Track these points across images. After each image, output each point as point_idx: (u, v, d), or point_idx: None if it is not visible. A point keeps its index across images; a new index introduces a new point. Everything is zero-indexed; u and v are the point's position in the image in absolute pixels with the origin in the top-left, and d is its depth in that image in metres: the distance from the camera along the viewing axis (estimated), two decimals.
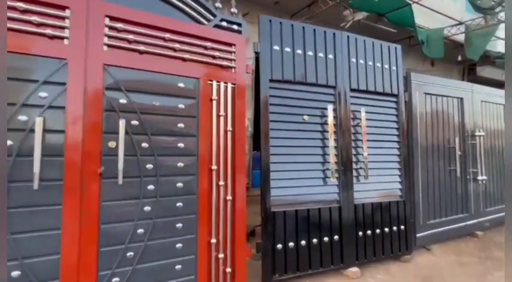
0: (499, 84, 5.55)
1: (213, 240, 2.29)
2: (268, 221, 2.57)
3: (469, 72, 10.00)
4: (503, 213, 4.46)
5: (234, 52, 2.52)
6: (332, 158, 2.83)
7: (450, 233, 3.85)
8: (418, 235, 3.50)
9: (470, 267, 3.18)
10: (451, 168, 3.94)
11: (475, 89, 4.31)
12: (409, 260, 3.25)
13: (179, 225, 2.19)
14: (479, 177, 4.11)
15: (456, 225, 3.91)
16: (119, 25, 2.06)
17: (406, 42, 7.68)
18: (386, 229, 3.15)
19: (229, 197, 2.38)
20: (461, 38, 7.26)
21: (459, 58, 7.86)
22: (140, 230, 2.04)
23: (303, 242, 2.70)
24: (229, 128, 2.43)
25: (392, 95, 3.37)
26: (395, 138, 3.36)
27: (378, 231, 3.09)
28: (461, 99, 4.13)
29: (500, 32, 6.88)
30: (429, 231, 3.62)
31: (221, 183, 2.35)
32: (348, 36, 3.14)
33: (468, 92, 4.22)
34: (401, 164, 3.34)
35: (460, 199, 4.04)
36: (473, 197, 4.13)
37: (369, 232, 3.04)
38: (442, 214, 3.82)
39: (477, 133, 4.15)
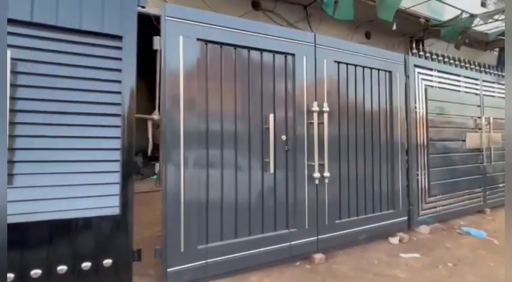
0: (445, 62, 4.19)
1: None
2: None
3: (417, 48, 8.53)
4: (366, 226, 3.12)
5: None
6: None
7: (255, 260, 2.50)
8: (172, 270, 2.15)
9: None
10: (266, 161, 2.56)
11: (321, 43, 2.88)
12: None
13: None
14: (315, 175, 2.73)
15: (267, 248, 2.55)
16: None
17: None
18: (63, 267, 1.79)
19: None
20: None
21: (394, 27, 6.37)
22: None
23: None
24: None
25: (104, 35, 1.95)
26: (113, 111, 1.97)
27: (35, 273, 1.73)
28: (293, 56, 2.72)
29: None
30: (200, 262, 2.26)
31: None
32: None
33: (307, 46, 2.79)
34: (125, 156, 1.97)
35: (284, 209, 2.67)
36: (308, 204, 2.76)
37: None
38: (240, 233, 2.46)
39: (314, 108, 2.74)
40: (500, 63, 9.61)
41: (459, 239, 3.49)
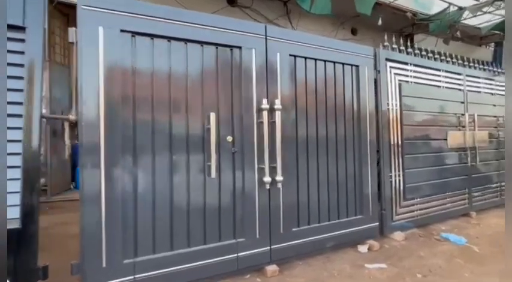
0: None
1: None
2: None
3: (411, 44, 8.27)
4: (330, 234, 2.87)
5: None
6: None
7: (196, 275, 2.26)
8: None
9: None
10: (208, 165, 2.32)
11: (273, 35, 2.63)
12: None
13: None
14: (266, 179, 2.48)
15: (209, 261, 2.31)
16: None
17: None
18: None
19: None
20: None
21: (379, 22, 6.13)
22: None
23: None
24: None
25: None
26: (13, 111, 1.75)
27: None
28: (239, 48, 2.48)
29: None
30: (127, 278, 2.02)
31: None
32: None
33: (256, 38, 2.55)
34: (28, 161, 1.75)
35: (231, 216, 2.43)
36: (259, 211, 2.51)
37: None
38: (177, 244, 2.22)
39: (264, 106, 2.50)
40: (496, 58, 9.27)
41: (436, 247, 3.22)
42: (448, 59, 4.23)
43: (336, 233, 2.93)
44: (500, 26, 6.73)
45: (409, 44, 4.01)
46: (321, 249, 2.89)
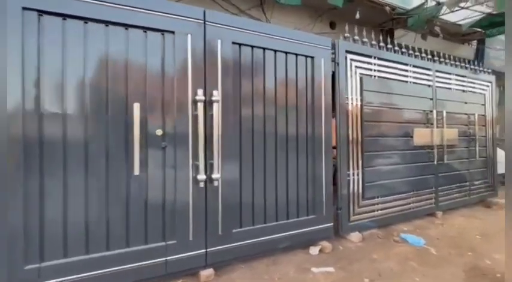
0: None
1: None
2: None
3: (391, 40, 8.10)
4: (277, 235, 2.69)
5: None
6: None
7: (114, 280, 2.06)
8: None
9: None
10: (132, 160, 2.11)
11: (213, 20, 2.41)
12: None
13: None
14: (200, 176, 2.27)
15: (132, 266, 2.11)
16: None
17: None
18: None
19: None
20: None
21: (357, 15, 5.93)
22: None
23: None
24: None
25: None
26: None
27: None
28: (172, 33, 2.26)
29: None
30: None
31: None
32: None
33: (192, 22, 2.33)
34: None
35: (160, 217, 2.23)
36: (192, 211, 2.32)
37: None
38: (93, 248, 2.01)
39: (199, 97, 2.28)
40: (478, 56, 9.18)
41: (392, 248, 3.08)
42: (417, 53, 4.08)
43: (285, 234, 2.76)
44: (482, 23, 6.61)
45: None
46: (269, 252, 2.73)
